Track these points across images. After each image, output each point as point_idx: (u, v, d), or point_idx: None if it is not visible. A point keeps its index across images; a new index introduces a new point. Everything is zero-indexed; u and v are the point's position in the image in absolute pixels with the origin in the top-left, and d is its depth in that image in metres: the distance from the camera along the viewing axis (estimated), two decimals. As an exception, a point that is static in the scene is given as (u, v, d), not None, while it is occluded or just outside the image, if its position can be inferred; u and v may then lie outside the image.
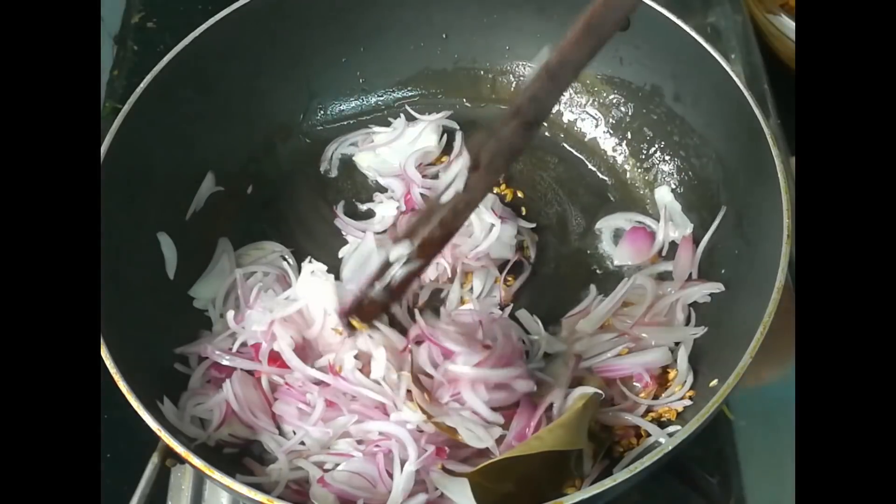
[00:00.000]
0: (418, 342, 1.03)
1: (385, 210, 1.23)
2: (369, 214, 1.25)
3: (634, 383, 1.06)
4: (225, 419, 1.01)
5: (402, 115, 1.33)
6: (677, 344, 1.08)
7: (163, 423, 0.87)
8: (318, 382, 1.02)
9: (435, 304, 1.15)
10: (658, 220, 1.21)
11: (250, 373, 1.05)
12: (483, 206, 1.18)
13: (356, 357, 1.02)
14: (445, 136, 1.32)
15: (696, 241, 1.16)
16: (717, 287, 1.09)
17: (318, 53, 1.30)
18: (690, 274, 1.14)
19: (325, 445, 1.00)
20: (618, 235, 1.22)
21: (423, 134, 1.30)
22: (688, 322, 1.11)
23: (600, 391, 1.01)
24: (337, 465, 0.98)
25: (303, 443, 1.01)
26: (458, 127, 1.33)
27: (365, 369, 1.02)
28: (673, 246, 1.19)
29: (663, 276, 1.17)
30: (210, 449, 1.00)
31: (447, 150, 1.31)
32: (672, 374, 1.06)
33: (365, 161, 1.30)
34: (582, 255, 1.21)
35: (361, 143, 1.32)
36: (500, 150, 0.90)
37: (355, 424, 1.00)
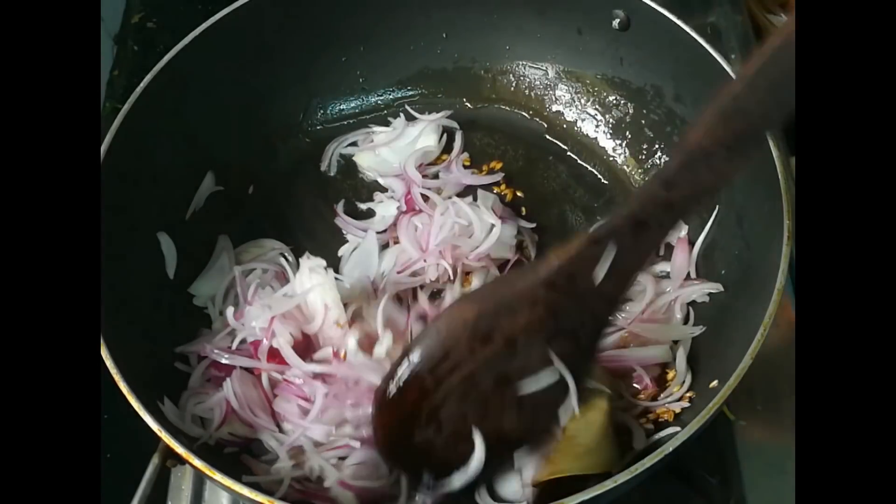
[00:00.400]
0: (421, 318, 1.05)
1: (385, 210, 1.23)
2: (370, 214, 1.25)
3: (634, 384, 1.06)
4: (225, 418, 1.01)
5: (401, 114, 1.33)
6: (676, 343, 1.09)
7: (163, 424, 0.87)
8: (318, 377, 1.02)
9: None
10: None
11: (250, 371, 1.05)
12: (483, 207, 1.19)
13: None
14: (445, 135, 1.32)
15: (693, 243, 1.17)
16: (715, 287, 1.10)
17: (318, 53, 1.30)
18: (689, 274, 1.15)
19: (327, 440, 1.00)
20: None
21: (422, 134, 1.30)
22: (686, 321, 1.11)
23: (609, 390, 1.01)
24: (341, 458, 0.98)
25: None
26: (457, 127, 1.33)
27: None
28: (669, 247, 1.19)
29: (662, 275, 1.17)
30: (210, 449, 1.00)
31: (447, 149, 1.31)
32: (671, 374, 1.06)
33: (365, 161, 1.30)
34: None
35: (361, 142, 1.32)
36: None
37: (355, 409, 0.99)
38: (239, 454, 1.02)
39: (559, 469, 0.91)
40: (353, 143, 1.32)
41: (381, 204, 1.24)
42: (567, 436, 0.96)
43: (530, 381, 0.89)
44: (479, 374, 0.90)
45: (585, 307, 0.89)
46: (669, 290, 1.13)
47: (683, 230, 1.18)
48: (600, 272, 0.87)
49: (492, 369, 0.90)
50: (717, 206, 1.14)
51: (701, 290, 1.11)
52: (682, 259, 1.15)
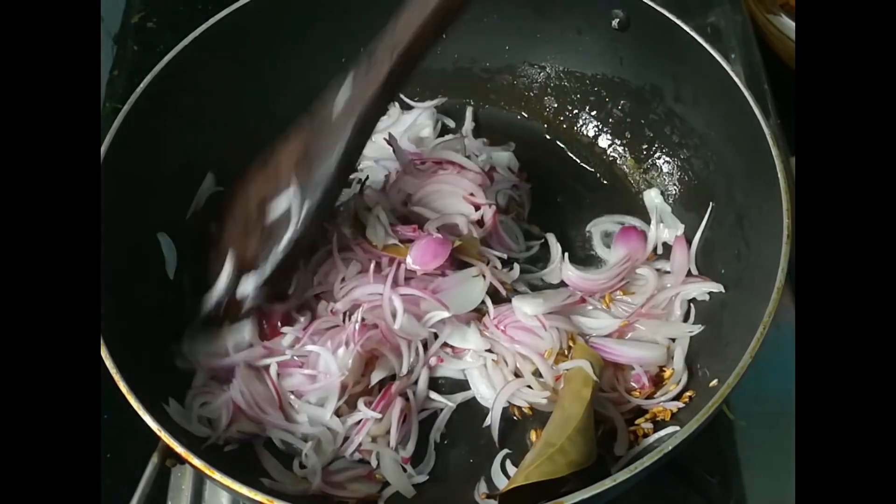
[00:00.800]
0: None
1: (374, 174, 1.23)
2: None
3: (632, 382, 1.06)
4: (233, 419, 1.01)
5: (396, 103, 1.33)
6: (674, 341, 1.09)
7: (162, 423, 0.87)
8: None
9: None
10: (646, 220, 1.22)
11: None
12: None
13: None
14: (440, 123, 1.32)
15: (690, 241, 1.17)
16: (716, 287, 1.10)
17: (318, 53, 1.30)
18: (689, 271, 1.15)
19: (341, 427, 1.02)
20: (608, 238, 1.22)
21: (417, 120, 1.31)
22: (686, 319, 1.11)
23: (595, 377, 1.01)
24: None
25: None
26: (453, 125, 1.34)
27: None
28: (666, 247, 1.19)
29: (664, 271, 1.17)
30: (210, 447, 1.00)
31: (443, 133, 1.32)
32: (668, 372, 1.06)
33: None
34: (582, 255, 1.21)
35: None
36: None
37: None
38: (248, 447, 1.02)
39: (528, 475, 0.91)
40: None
41: (368, 168, 1.24)
42: (542, 438, 0.97)
43: (274, 203, 1.00)
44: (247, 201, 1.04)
45: (327, 138, 0.99)
46: (670, 285, 1.13)
47: (680, 228, 1.18)
48: (339, 105, 0.98)
49: (255, 195, 1.04)
50: (712, 204, 1.15)
51: (701, 289, 1.11)
52: (681, 257, 1.16)
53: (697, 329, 1.08)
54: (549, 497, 0.80)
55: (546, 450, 0.92)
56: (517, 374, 1.07)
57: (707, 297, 1.11)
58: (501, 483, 1.00)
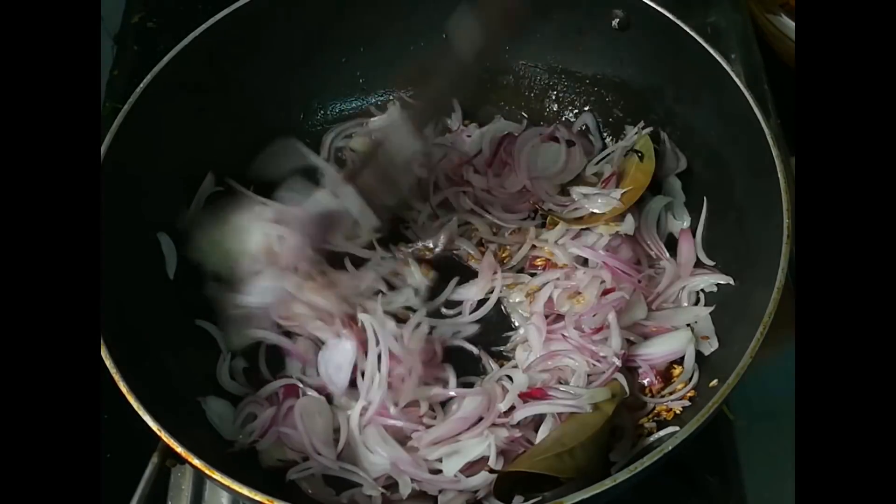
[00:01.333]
0: None
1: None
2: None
3: (639, 381, 1.06)
4: (265, 434, 1.00)
5: (396, 102, 1.33)
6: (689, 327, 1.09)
7: (163, 424, 0.87)
8: None
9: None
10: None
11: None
12: None
13: None
14: (439, 123, 1.32)
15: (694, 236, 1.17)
16: (724, 278, 1.10)
17: (317, 53, 1.30)
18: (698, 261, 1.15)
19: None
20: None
21: None
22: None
23: (627, 390, 1.01)
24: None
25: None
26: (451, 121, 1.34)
27: None
28: (672, 241, 1.19)
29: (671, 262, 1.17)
30: (211, 448, 1.00)
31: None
32: (677, 370, 1.06)
33: (360, 146, 1.30)
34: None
35: (357, 132, 1.32)
36: None
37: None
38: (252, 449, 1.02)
39: (533, 464, 0.91)
40: (349, 136, 1.32)
41: None
42: (555, 433, 0.97)
43: None
44: None
45: None
46: (678, 278, 1.13)
47: (686, 221, 1.18)
48: None
49: None
50: (711, 204, 1.15)
51: (709, 280, 1.11)
52: (688, 249, 1.16)
53: (710, 309, 1.08)
54: (539, 491, 0.80)
55: (556, 447, 0.93)
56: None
57: (715, 289, 1.11)
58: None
